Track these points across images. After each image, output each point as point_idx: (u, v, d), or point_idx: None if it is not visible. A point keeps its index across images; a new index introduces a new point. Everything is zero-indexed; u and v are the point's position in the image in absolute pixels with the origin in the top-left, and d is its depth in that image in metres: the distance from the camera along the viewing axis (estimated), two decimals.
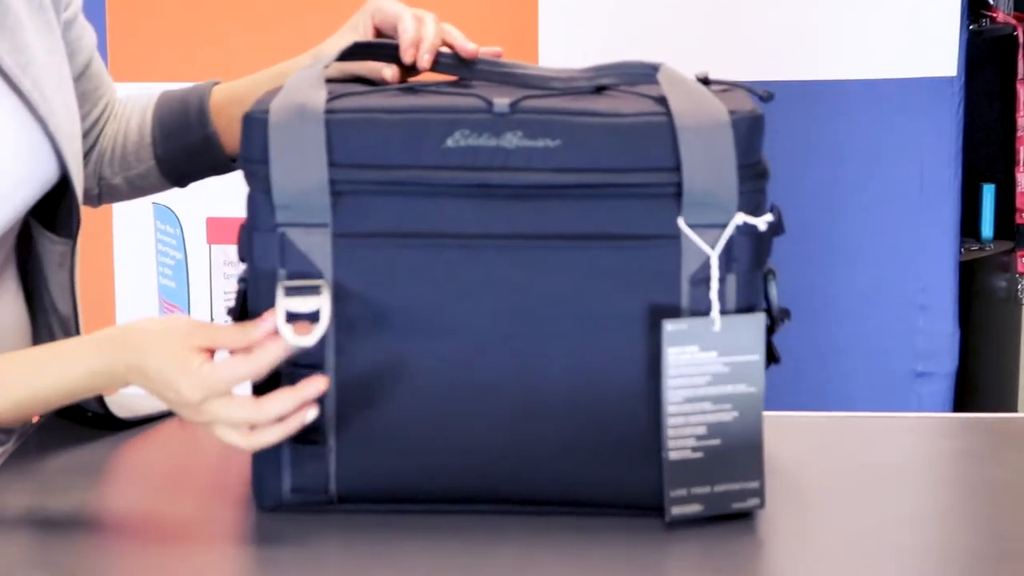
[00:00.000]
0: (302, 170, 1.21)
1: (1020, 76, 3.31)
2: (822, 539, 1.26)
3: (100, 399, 1.47)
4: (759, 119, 1.24)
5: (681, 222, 1.22)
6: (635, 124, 1.23)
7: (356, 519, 1.27)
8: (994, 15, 3.31)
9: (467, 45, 1.38)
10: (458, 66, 1.39)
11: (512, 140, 1.22)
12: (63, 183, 1.44)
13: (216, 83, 1.56)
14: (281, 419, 1.20)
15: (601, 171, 1.22)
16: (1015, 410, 3.41)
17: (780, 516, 1.27)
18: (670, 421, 1.23)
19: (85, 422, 1.48)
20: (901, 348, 3.01)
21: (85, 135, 1.57)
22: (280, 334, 1.19)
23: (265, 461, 1.27)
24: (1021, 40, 3.30)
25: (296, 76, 1.28)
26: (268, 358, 1.19)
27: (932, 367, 3.01)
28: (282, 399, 1.20)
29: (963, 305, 3.09)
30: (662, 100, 1.25)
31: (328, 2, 2.72)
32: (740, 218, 1.22)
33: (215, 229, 2.78)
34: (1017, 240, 3.37)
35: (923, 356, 3.01)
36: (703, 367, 1.23)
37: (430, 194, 1.22)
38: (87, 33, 1.57)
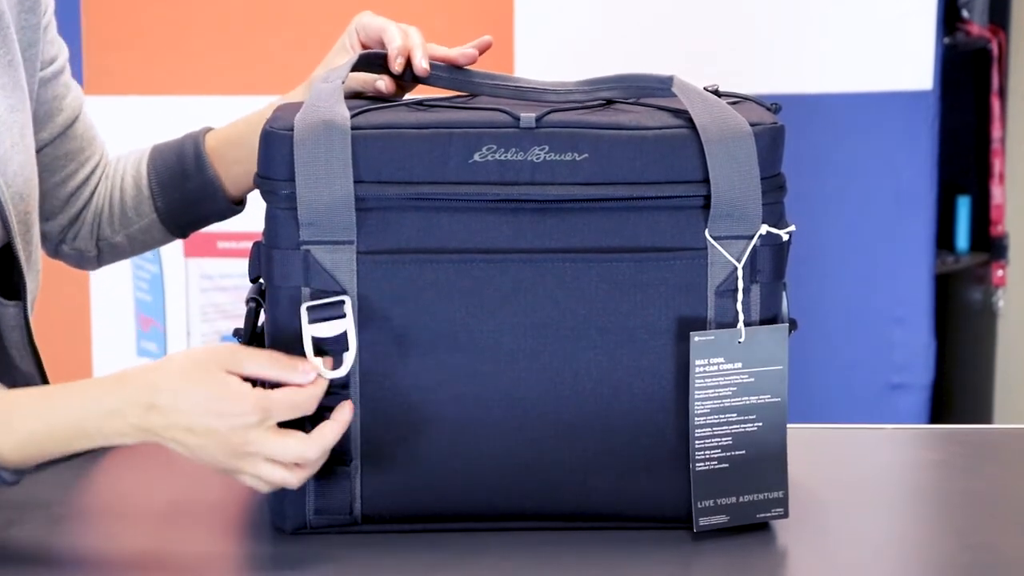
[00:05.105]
0: (328, 187, 1.20)
1: (994, 89, 3.33)
2: (798, 551, 1.26)
3: None
4: (780, 131, 1.25)
5: (708, 234, 1.22)
6: (660, 137, 1.22)
7: (375, 539, 1.25)
8: (968, 28, 3.33)
9: (463, 51, 1.36)
10: (452, 79, 1.36)
11: (539, 154, 1.22)
12: (9, 247, 1.40)
13: (208, 129, 1.54)
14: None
15: (627, 184, 1.22)
16: (991, 421, 3.42)
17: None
18: (697, 432, 1.24)
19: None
20: (877, 360, 3.02)
21: (74, 194, 1.54)
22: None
23: None
24: (995, 53, 3.32)
25: (316, 92, 1.25)
26: (317, 391, 1.18)
27: (908, 379, 3.03)
28: (331, 430, 1.19)
29: (939, 317, 3.11)
30: (680, 113, 1.25)
31: (308, 14, 2.72)
32: (764, 229, 1.23)
33: (191, 243, 2.77)
34: (992, 252, 3.39)
35: (899, 368, 3.02)
36: (728, 378, 1.24)
37: (456, 209, 1.21)
38: (72, 92, 1.53)
